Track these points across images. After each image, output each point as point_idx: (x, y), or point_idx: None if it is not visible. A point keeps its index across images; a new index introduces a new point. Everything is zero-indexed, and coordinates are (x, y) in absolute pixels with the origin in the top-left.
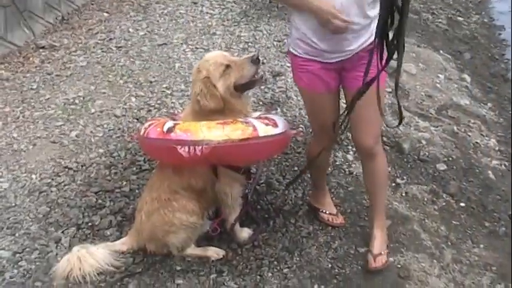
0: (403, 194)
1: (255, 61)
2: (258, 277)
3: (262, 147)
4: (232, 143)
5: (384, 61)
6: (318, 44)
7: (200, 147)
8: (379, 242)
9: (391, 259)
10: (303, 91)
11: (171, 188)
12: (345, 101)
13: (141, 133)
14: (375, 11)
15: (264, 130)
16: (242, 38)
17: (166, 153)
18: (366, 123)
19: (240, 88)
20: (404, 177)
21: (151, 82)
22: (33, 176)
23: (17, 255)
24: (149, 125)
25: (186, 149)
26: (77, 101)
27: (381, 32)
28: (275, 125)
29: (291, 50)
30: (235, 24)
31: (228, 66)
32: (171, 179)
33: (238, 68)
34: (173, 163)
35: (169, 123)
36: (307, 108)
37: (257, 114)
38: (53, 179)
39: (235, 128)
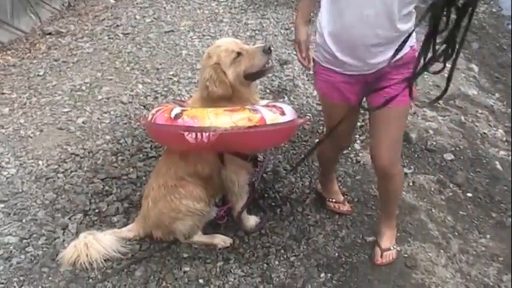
0: (410, 184)
1: (267, 51)
2: (265, 265)
3: (269, 135)
4: (239, 130)
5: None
6: (338, 54)
7: (207, 133)
8: (388, 238)
9: (398, 248)
10: (321, 98)
11: (177, 175)
12: None
13: (149, 119)
14: (406, 25)
15: (271, 118)
16: (249, 25)
17: (173, 139)
18: (385, 143)
19: (250, 76)
20: (412, 167)
21: (158, 69)
22: (40, 162)
23: (24, 241)
24: (156, 111)
25: (193, 135)
26: (83, 88)
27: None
28: (282, 113)
29: (315, 54)
30: (243, 11)
31: (239, 54)
32: (177, 165)
33: (250, 56)
34: (180, 149)
35: (177, 109)
36: (324, 113)
37: (265, 102)
38: (59, 166)
39: (243, 116)
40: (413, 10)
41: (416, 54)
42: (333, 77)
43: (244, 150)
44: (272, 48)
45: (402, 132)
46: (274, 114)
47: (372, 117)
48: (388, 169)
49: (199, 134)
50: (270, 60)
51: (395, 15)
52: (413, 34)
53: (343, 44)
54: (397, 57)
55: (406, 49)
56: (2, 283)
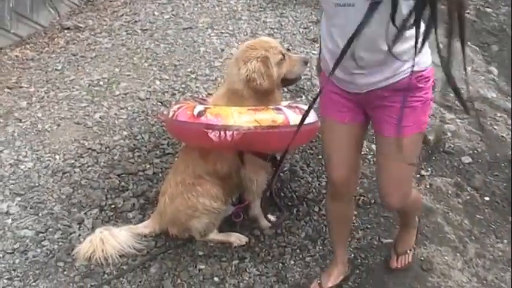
0: (427, 186)
1: (306, 63)
2: (280, 264)
3: (292, 136)
4: (262, 130)
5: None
6: (324, 68)
7: (230, 132)
8: (404, 242)
9: (414, 251)
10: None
11: (195, 173)
12: None
13: (170, 115)
14: (402, 46)
15: (294, 119)
16: (268, 24)
17: (196, 136)
18: (392, 181)
19: (285, 81)
20: (429, 169)
21: (175, 66)
22: (57, 157)
23: (40, 234)
24: (178, 108)
25: (217, 133)
26: (101, 83)
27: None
28: None
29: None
30: (261, 9)
31: (283, 57)
32: (196, 163)
33: (291, 62)
34: (201, 147)
35: (200, 107)
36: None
37: (286, 103)
38: (76, 160)
39: (267, 115)
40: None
41: (417, 82)
42: (332, 88)
43: (267, 150)
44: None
45: (413, 161)
46: (297, 115)
47: (377, 148)
48: (397, 208)
49: (222, 133)
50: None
51: (383, 35)
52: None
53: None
54: (391, 81)
55: (402, 74)
56: (18, 276)
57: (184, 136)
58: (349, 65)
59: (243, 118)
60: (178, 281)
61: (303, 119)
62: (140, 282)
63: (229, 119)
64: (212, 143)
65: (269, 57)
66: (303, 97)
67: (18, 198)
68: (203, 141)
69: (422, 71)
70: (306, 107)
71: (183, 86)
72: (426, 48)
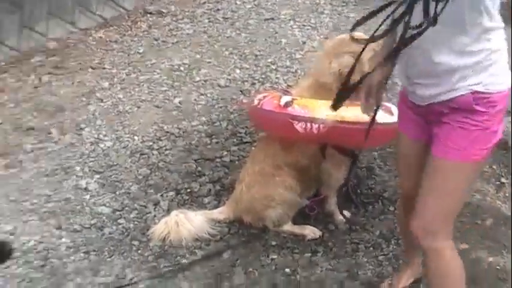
0: (507, 194)
1: None
2: (353, 261)
3: (377, 134)
4: (349, 126)
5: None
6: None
7: (317, 125)
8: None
9: (491, 259)
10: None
11: (275, 163)
12: None
13: (254, 104)
14: (462, 60)
15: (381, 117)
16: (350, 19)
17: (281, 127)
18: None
19: None
20: (509, 177)
21: (256, 56)
22: (136, 138)
23: (117, 212)
24: (264, 97)
25: (303, 125)
26: (181, 68)
27: None
28: (391, 113)
29: None
30: (344, 4)
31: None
32: (276, 153)
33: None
34: (285, 138)
35: (287, 98)
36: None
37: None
38: (154, 143)
39: (353, 111)
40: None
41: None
42: (404, 98)
43: (350, 145)
44: None
45: (454, 197)
46: (383, 113)
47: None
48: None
49: (309, 124)
50: None
51: (449, 44)
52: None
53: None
54: (447, 96)
55: (460, 91)
56: (94, 251)
57: (269, 125)
58: (411, 73)
59: (331, 112)
60: (250, 269)
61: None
62: (212, 266)
63: (316, 111)
64: (297, 134)
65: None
66: (383, 95)
67: (97, 176)
68: (288, 132)
69: (488, 93)
70: (390, 105)
71: (263, 76)
72: (502, 68)
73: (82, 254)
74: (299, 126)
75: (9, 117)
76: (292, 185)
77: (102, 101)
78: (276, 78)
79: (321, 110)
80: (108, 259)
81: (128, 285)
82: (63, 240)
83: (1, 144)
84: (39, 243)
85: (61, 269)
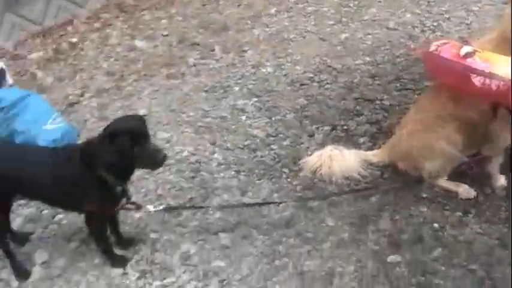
0: None
1: None
2: (505, 229)
3: None
4: None
5: None
6: None
7: (497, 81)
8: None
9: None
10: None
11: (441, 114)
12: None
13: (431, 50)
14: None
15: None
16: None
17: (457, 77)
18: None
19: None
20: None
21: (429, 2)
22: (298, 67)
23: (270, 138)
24: (442, 44)
25: (481, 79)
26: (351, 5)
27: None
28: None
29: None
30: None
31: None
32: (444, 104)
33: None
34: (458, 89)
35: (468, 48)
36: None
37: None
38: (315, 75)
39: None
40: None
41: None
42: None
43: None
44: None
45: None
46: None
47: None
48: None
49: (488, 80)
50: None
51: None
52: None
53: None
54: None
55: None
56: (244, 171)
57: (444, 74)
58: None
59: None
60: (397, 217)
61: None
62: (359, 207)
63: (498, 67)
64: (473, 87)
65: None
66: None
67: (255, 99)
68: (463, 84)
69: None
70: None
71: (434, 23)
72: None
73: (232, 172)
74: (477, 80)
75: (176, 29)
76: (456, 140)
77: (267, 26)
78: (448, 28)
79: (503, 67)
80: (257, 181)
81: (271, 203)
82: (216, 156)
83: (166, 55)
84: (192, 155)
85: (210, 183)
